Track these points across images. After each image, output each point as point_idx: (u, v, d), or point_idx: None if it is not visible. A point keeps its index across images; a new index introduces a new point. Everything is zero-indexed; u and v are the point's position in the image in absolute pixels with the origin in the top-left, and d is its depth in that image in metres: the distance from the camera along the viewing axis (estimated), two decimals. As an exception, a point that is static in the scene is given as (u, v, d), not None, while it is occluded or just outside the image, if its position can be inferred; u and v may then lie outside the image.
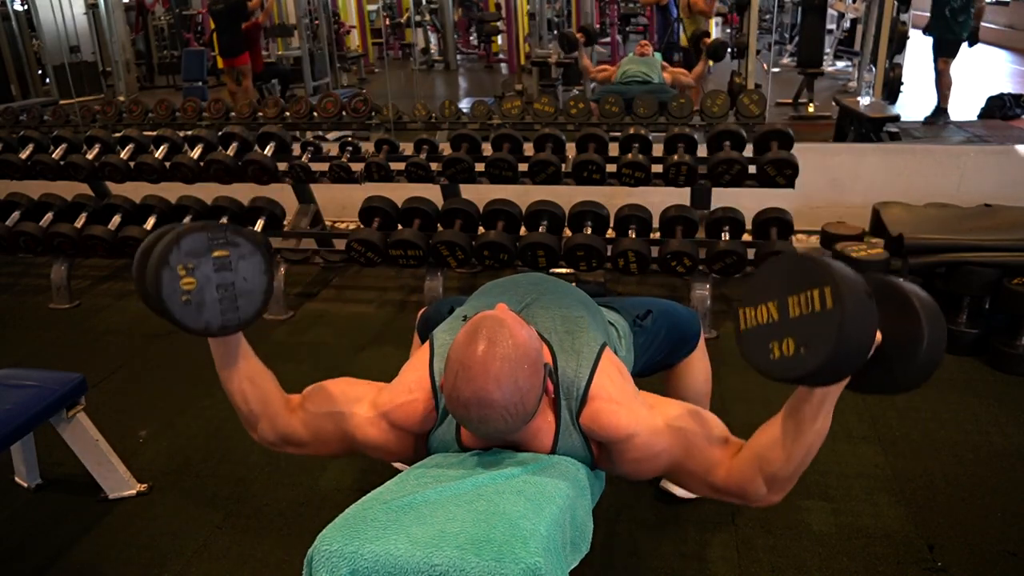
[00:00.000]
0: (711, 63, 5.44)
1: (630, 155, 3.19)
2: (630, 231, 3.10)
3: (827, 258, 1.16)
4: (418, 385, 1.42)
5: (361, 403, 1.47)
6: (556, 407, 1.37)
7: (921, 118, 6.23)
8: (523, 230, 3.18)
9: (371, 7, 11.10)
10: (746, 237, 3.11)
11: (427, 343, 1.50)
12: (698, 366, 1.91)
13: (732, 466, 1.35)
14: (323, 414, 1.48)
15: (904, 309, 1.19)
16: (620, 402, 1.37)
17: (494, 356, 1.23)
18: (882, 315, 1.17)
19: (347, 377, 1.56)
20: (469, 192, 3.45)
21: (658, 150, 3.31)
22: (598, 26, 9.45)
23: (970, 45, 6.30)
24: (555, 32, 8.67)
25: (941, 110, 6.12)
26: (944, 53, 6.12)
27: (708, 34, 5.64)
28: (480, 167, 3.34)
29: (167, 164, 3.50)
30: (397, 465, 2.16)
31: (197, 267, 1.34)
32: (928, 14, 6.52)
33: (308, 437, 1.50)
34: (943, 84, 6.14)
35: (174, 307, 1.33)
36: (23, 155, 3.68)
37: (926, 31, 6.34)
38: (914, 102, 6.87)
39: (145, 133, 3.81)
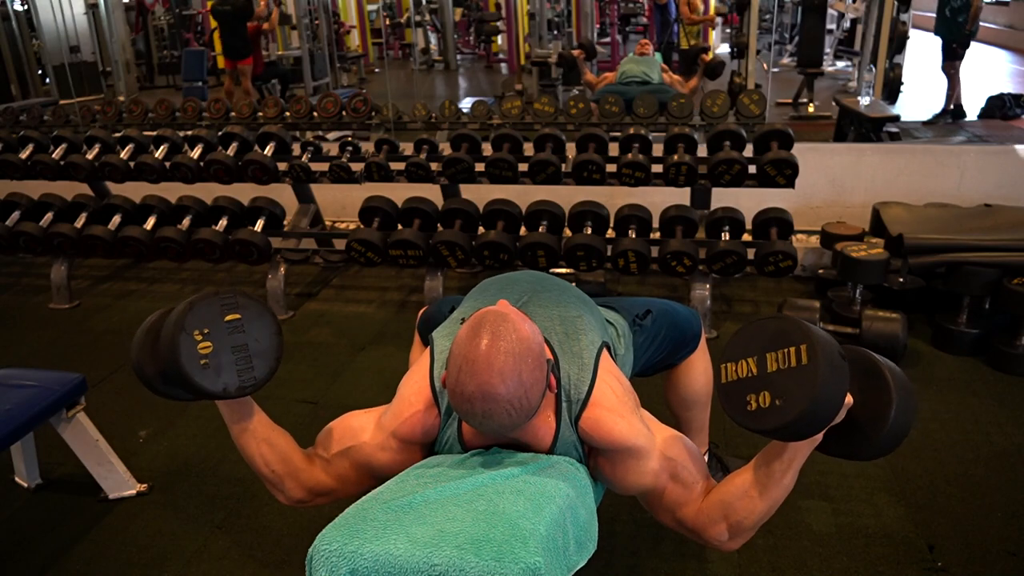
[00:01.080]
0: (707, 79, 5.46)
1: (630, 155, 3.19)
2: (630, 231, 3.10)
3: (807, 322, 1.23)
4: (418, 396, 1.42)
5: (367, 431, 1.47)
6: (557, 406, 1.37)
7: (920, 118, 6.22)
8: (523, 230, 3.18)
9: (371, 7, 11.11)
10: (746, 237, 3.11)
11: (427, 350, 1.50)
12: (699, 366, 1.91)
13: (701, 508, 1.38)
14: (337, 455, 1.48)
15: (876, 379, 1.26)
16: (621, 414, 1.37)
17: (498, 350, 1.23)
18: (855, 382, 1.25)
19: (349, 412, 1.56)
20: (469, 192, 3.45)
21: (658, 150, 3.32)
22: (598, 26, 9.46)
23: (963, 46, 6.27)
24: (555, 32, 8.67)
25: (945, 111, 6.10)
26: (947, 55, 6.11)
27: (707, 50, 5.65)
28: (480, 167, 3.34)
29: (167, 164, 3.50)
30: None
31: (212, 331, 1.39)
32: (928, 14, 6.53)
33: (333, 483, 1.50)
34: (950, 85, 6.12)
35: (194, 371, 1.36)
36: (23, 155, 3.68)
37: (936, 32, 6.32)
38: (914, 102, 6.87)
39: (145, 133, 3.81)
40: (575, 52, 5.45)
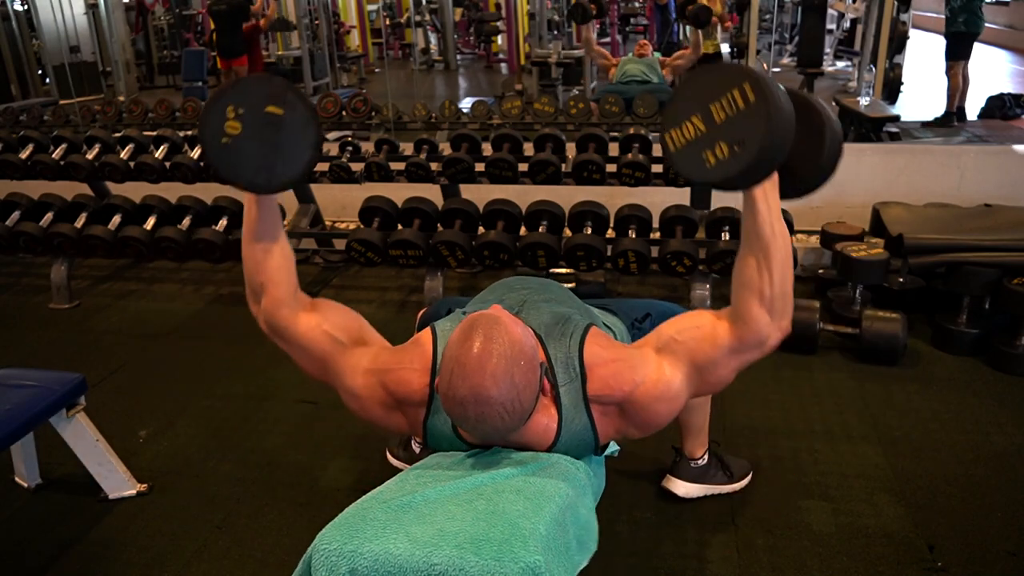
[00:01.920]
0: (699, 32, 5.37)
1: (630, 155, 3.19)
2: (630, 231, 3.10)
3: (736, 62, 1.23)
4: (419, 360, 1.42)
5: (366, 349, 1.46)
6: (556, 398, 1.37)
7: (920, 118, 6.21)
8: (523, 230, 3.18)
9: (371, 7, 11.11)
10: (746, 237, 3.11)
11: (428, 328, 1.49)
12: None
13: (732, 320, 1.36)
14: (326, 333, 1.46)
15: (807, 110, 1.28)
16: (616, 359, 1.39)
17: (490, 353, 1.22)
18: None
19: (361, 316, 1.54)
20: (469, 192, 3.45)
21: (658, 150, 3.31)
22: (598, 26, 9.46)
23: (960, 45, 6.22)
24: (555, 33, 8.67)
25: (948, 114, 6.08)
26: (952, 55, 6.09)
27: (692, 2, 5.53)
28: (480, 167, 3.34)
29: (167, 164, 3.50)
30: (395, 463, 2.17)
31: (247, 114, 1.31)
32: (929, 14, 6.52)
33: (301, 342, 1.47)
34: (951, 86, 6.10)
35: (211, 145, 1.31)
36: (23, 155, 3.68)
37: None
38: (914, 102, 6.87)
39: (145, 133, 3.81)
40: (591, 4, 5.39)
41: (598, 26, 9.57)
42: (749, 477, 2.08)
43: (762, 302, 1.32)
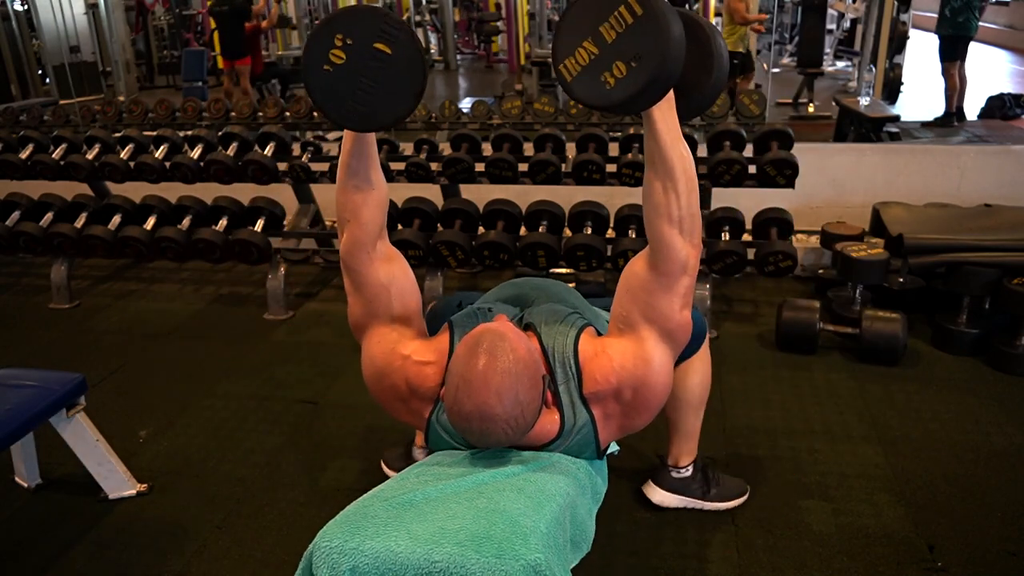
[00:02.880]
0: None
1: (630, 155, 3.19)
2: (630, 231, 3.09)
3: None
4: (438, 357, 1.42)
5: (406, 328, 1.47)
6: (557, 402, 1.37)
7: (920, 118, 6.21)
8: (523, 230, 3.18)
9: (371, 7, 11.09)
10: (746, 237, 3.11)
11: (446, 325, 1.49)
12: (698, 368, 1.90)
13: (648, 257, 1.38)
14: (389, 295, 1.46)
15: (691, 26, 1.28)
16: (597, 352, 1.40)
17: (495, 370, 1.24)
18: None
19: (420, 296, 1.53)
20: (469, 192, 3.45)
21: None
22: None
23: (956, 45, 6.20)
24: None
25: (948, 114, 6.08)
26: (947, 56, 6.09)
27: (684, 2, 5.49)
28: (480, 167, 3.34)
29: (167, 164, 3.50)
30: (390, 474, 2.17)
31: (354, 46, 1.27)
32: (929, 14, 6.52)
33: (363, 289, 1.46)
34: (948, 87, 6.10)
35: (311, 71, 1.27)
36: (23, 155, 3.68)
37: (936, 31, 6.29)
38: (914, 102, 6.87)
39: (145, 133, 3.81)
40: None
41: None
42: (741, 500, 2.03)
43: (671, 223, 1.32)
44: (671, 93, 1.28)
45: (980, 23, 6.13)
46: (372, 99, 1.28)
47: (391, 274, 1.47)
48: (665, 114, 1.28)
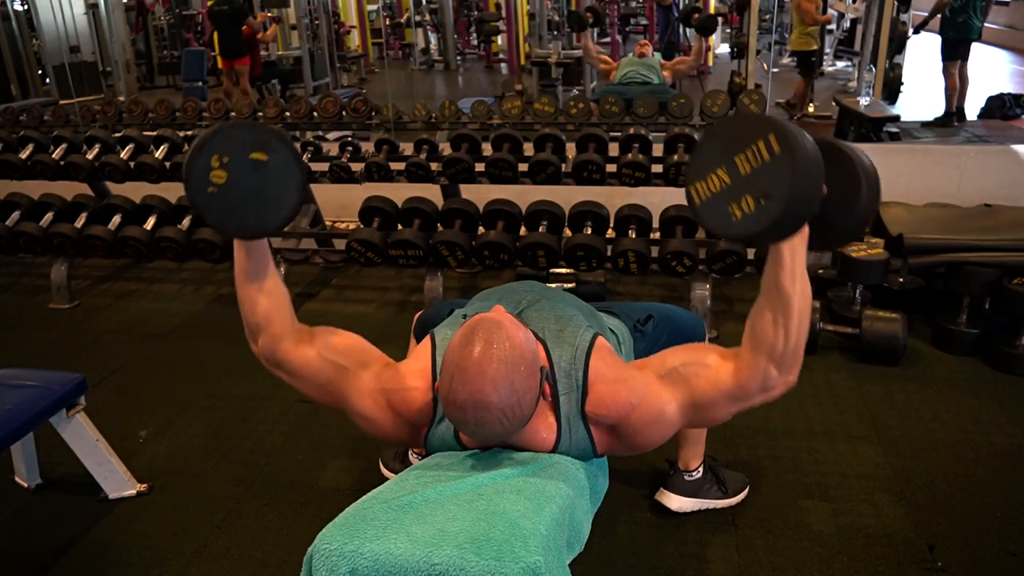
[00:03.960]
0: (704, 40, 5.40)
1: (630, 155, 3.19)
2: (630, 231, 3.09)
3: (763, 113, 1.21)
4: (421, 375, 1.42)
5: (368, 369, 1.45)
6: (555, 406, 1.37)
7: (920, 118, 6.21)
8: (523, 230, 3.18)
9: (371, 7, 11.11)
10: (746, 237, 3.10)
11: (427, 338, 1.49)
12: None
13: (738, 367, 1.34)
14: (328, 360, 1.46)
15: (839, 159, 1.25)
16: (617, 379, 1.38)
17: (490, 358, 1.22)
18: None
19: (358, 336, 1.54)
20: (469, 192, 3.45)
21: (658, 150, 3.31)
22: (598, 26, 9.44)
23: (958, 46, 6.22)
24: (555, 33, 8.66)
25: (948, 114, 6.08)
26: (947, 55, 6.09)
27: (698, 10, 5.58)
28: (480, 167, 3.34)
29: (167, 164, 3.50)
30: (389, 475, 2.17)
31: (232, 162, 1.32)
32: (928, 14, 6.52)
33: (303, 373, 1.47)
34: (947, 87, 6.09)
35: (198, 195, 1.31)
36: (23, 155, 3.68)
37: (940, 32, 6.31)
38: (914, 102, 6.87)
39: (145, 133, 3.81)
40: (587, 13, 5.39)
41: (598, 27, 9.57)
42: (745, 492, 2.05)
43: (772, 357, 1.30)
44: (806, 227, 1.25)
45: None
46: (260, 205, 1.34)
47: (317, 343, 1.47)
48: (795, 249, 1.25)
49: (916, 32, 7.06)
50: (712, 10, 8.74)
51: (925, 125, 6.05)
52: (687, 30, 7.67)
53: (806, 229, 1.25)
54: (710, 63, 5.56)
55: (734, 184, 1.19)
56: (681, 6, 8.25)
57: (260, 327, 1.46)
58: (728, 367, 1.35)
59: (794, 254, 1.25)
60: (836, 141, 1.29)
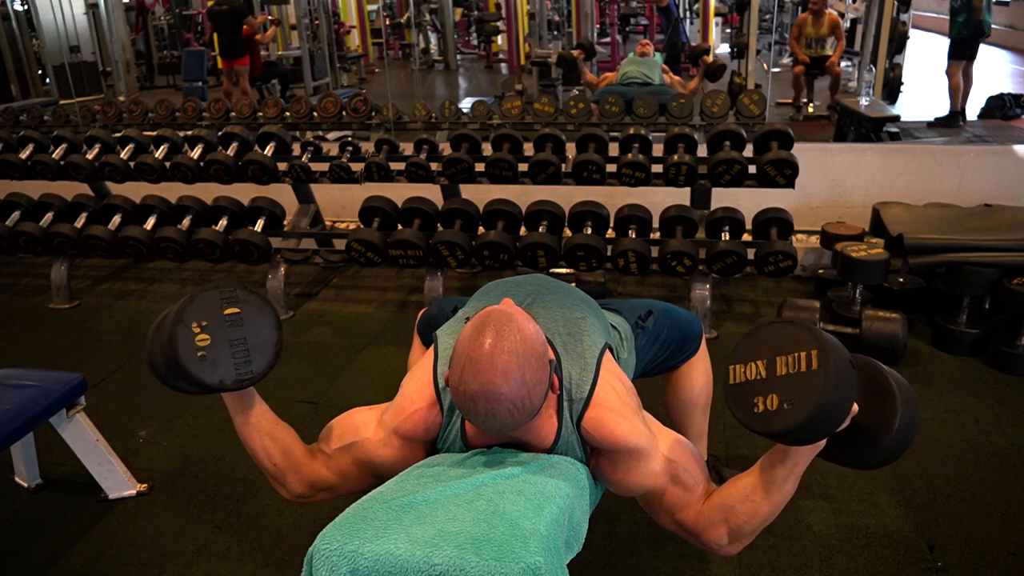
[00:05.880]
0: (707, 80, 5.45)
1: (630, 155, 3.19)
2: (630, 231, 3.09)
3: (818, 328, 1.25)
4: (420, 394, 1.43)
5: (369, 427, 1.47)
6: (559, 406, 1.37)
7: (920, 118, 6.21)
8: (523, 230, 3.18)
9: (371, 7, 11.11)
10: (746, 237, 3.11)
11: (431, 348, 1.50)
12: (699, 369, 1.90)
13: (702, 510, 1.39)
14: (339, 450, 1.49)
15: (882, 389, 1.28)
16: (623, 415, 1.37)
17: (501, 350, 1.23)
18: (861, 390, 1.26)
19: (352, 409, 1.56)
20: (469, 192, 3.45)
21: (658, 150, 3.31)
22: (598, 25, 9.46)
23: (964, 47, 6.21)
24: (555, 33, 8.67)
25: (952, 114, 6.07)
26: (950, 55, 6.09)
27: (708, 51, 5.64)
28: (480, 167, 3.34)
29: (167, 164, 3.50)
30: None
31: (210, 324, 1.40)
32: (929, 14, 6.51)
33: (335, 479, 1.51)
34: (951, 86, 6.09)
35: (190, 364, 1.37)
36: (23, 155, 3.68)
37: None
38: (914, 102, 6.87)
39: (145, 133, 3.81)
40: (574, 52, 5.44)
41: (598, 27, 9.58)
42: None
43: (730, 528, 1.36)
44: (821, 443, 1.29)
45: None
46: (247, 353, 1.43)
47: (328, 448, 1.51)
48: (802, 454, 1.30)
49: None
50: (712, 10, 8.74)
51: (931, 125, 6.05)
52: (689, 29, 7.66)
53: (820, 444, 1.29)
54: (710, 59, 5.56)
55: (768, 379, 1.24)
56: (681, 6, 8.25)
57: (280, 467, 1.51)
58: (697, 506, 1.40)
59: (798, 460, 1.31)
60: (881, 367, 1.31)
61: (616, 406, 1.37)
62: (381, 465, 1.45)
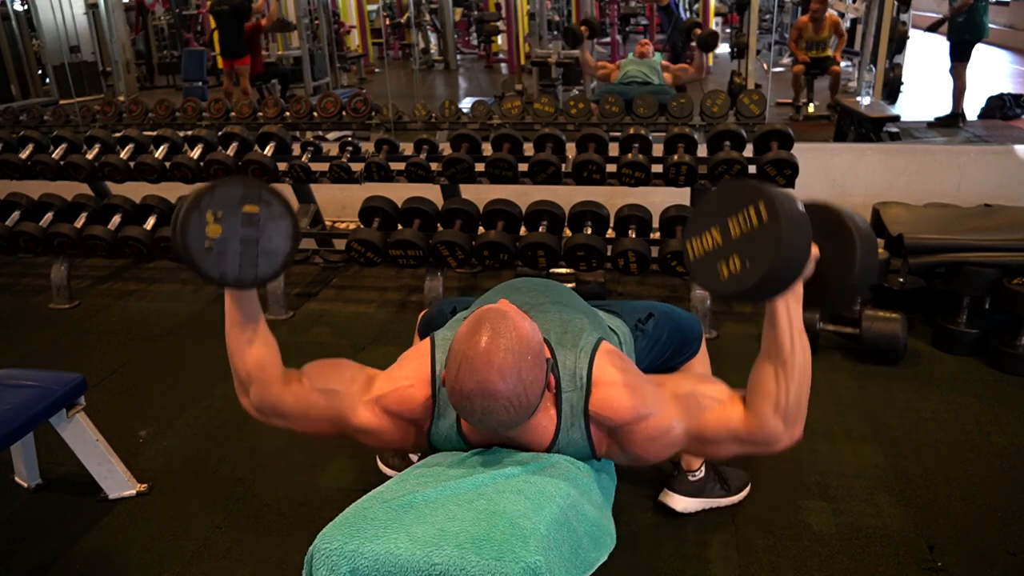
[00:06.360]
0: (704, 55, 5.41)
1: (630, 155, 3.19)
2: (630, 231, 3.09)
3: (760, 181, 1.26)
4: (415, 373, 1.43)
5: (357, 384, 1.47)
6: (557, 401, 1.37)
7: (920, 118, 6.20)
8: (523, 230, 3.18)
9: (371, 7, 11.11)
10: (746, 237, 3.10)
11: (427, 339, 1.50)
12: (699, 370, 1.90)
13: (747, 414, 1.37)
14: (318, 390, 1.48)
15: (838, 227, 1.30)
16: (625, 384, 1.38)
17: (498, 347, 1.23)
18: (820, 233, 1.29)
19: (346, 359, 1.55)
20: (469, 192, 3.45)
21: (658, 150, 3.31)
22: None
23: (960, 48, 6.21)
24: (555, 33, 8.66)
25: (954, 115, 6.07)
26: (952, 56, 6.09)
27: (699, 25, 5.60)
28: (480, 167, 3.34)
29: (167, 164, 3.50)
30: (387, 472, 2.17)
31: (225, 217, 1.36)
32: (929, 14, 6.51)
33: (297, 412, 1.49)
34: (956, 87, 6.08)
35: (195, 252, 1.35)
36: (23, 155, 3.68)
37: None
38: (914, 102, 6.87)
39: (145, 133, 3.81)
40: (581, 28, 5.40)
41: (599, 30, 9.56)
42: (748, 489, 2.05)
43: (776, 410, 1.33)
44: (798, 287, 1.30)
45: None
46: (255, 256, 1.40)
47: (305, 381, 1.49)
48: (789, 306, 1.31)
49: (932, 30, 7.07)
50: (712, 10, 8.74)
51: (931, 125, 6.05)
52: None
53: (799, 289, 1.31)
54: (710, 62, 5.56)
55: (725, 244, 1.26)
56: (681, 5, 8.25)
57: (251, 376, 1.49)
58: (737, 410, 1.38)
59: (789, 312, 1.31)
60: (833, 206, 1.34)
61: (617, 379, 1.38)
62: (356, 425, 1.44)
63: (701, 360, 1.90)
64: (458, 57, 10.79)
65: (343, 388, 1.47)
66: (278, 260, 1.43)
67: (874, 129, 5.05)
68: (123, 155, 3.61)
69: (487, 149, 3.39)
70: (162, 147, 3.63)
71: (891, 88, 6.36)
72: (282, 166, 3.49)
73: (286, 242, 1.43)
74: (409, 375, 1.43)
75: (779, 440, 1.36)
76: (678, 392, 1.40)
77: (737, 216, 1.23)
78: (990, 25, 6.21)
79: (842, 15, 8.20)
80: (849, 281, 1.31)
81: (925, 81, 7.31)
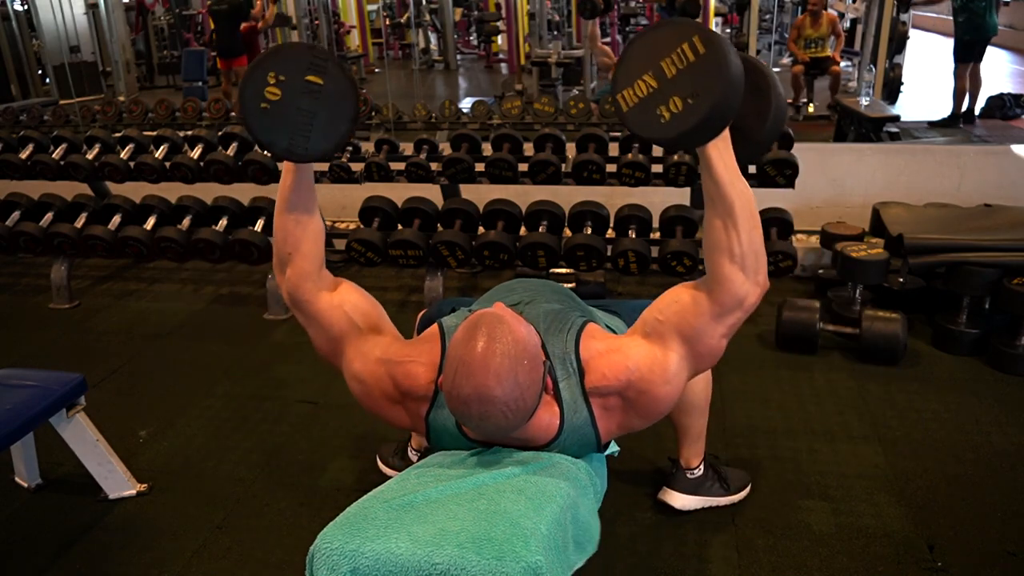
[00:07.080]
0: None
1: (630, 155, 3.19)
2: (630, 231, 3.10)
3: (686, 19, 1.27)
4: (426, 354, 1.43)
5: (378, 337, 1.48)
6: (557, 396, 1.37)
7: (920, 118, 6.21)
8: (523, 230, 3.18)
9: (371, 7, 11.11)
10: (746, 237, 3.10)
11: (435, 325, 1.49)
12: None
13: (709, 286, 1.36)
14: (345, 315, 1.48)
15: (750, 69, 1.29)
16: (609, 349, 1.39)
17: (494, 352, 1.23)
18: None
19: (379, 305, 1.56)
20: (469, 192, 3.45)
21: (658, 150, 3.31)
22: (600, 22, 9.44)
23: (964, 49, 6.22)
24: (555, 33, 8.66)
25: (954, 116, 6.07)
26: (955, 57, 6.10)
27: None
28: (480, 167, 3.34)
29: (167, 164, 3.50)
30: (388, 472, 2.17)
31: (288, 81, 1.33)
32: (929, 14, 6.52)
33: (318, 319, 1.50)
34: (957, 88, 6.09)
35: (250, 109, 1.33)
36: (23, 155, 3.68)
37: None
38: (914, 102, 6.87)
39: (145, 133, 3.81)
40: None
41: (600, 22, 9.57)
42: (747, 489, 2.05)
43: (733, 260, 1.31)
44: (727, 132, 1.28)
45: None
46: (311, 129, 1.35)
47: (340, 295, 1.50)
48: (722, 152, 1.28)
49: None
50: (712, 10, 8.74)
51: (932, 126, 6.05)
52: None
53: (727, 133, 1.28)
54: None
55: (661, 87, 1.21)
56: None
57: (291, 256, 1.47)
58: (700, 292, 1.37)
59: (722, 155, 1.28)
60: (747, 55, 1.36)
61: (602, 348, 1.40)
62: (352, 370, 1.47)
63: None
64: (458, 57, 10.80)
65: (365, 331, 1.48)
66: (332, 139, 1.38)
67: (874, 129, 5.06)
68: (123, 155, 3.61)
69: (487, 149, 3.39)
70: (162, 147, 3.63)
71: (891, 88, 6.37)
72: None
73: (344, 123, 1.38)
74: (422, 354, 1.43)
75: (747, 294, 1.34)
76: (645, 329, 1.40)
77: (671, 56, 1.20)
78: (990, 25, 6.21)
79: (842, 15, 8.21)
80: (766, 126, 1.32)
81: (925, 81, 7.31)
